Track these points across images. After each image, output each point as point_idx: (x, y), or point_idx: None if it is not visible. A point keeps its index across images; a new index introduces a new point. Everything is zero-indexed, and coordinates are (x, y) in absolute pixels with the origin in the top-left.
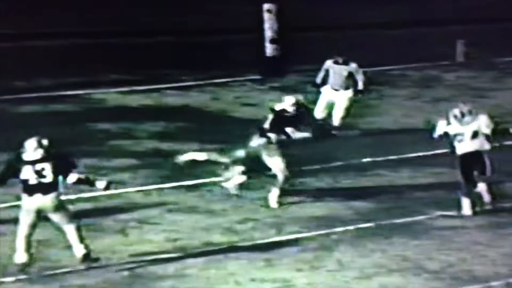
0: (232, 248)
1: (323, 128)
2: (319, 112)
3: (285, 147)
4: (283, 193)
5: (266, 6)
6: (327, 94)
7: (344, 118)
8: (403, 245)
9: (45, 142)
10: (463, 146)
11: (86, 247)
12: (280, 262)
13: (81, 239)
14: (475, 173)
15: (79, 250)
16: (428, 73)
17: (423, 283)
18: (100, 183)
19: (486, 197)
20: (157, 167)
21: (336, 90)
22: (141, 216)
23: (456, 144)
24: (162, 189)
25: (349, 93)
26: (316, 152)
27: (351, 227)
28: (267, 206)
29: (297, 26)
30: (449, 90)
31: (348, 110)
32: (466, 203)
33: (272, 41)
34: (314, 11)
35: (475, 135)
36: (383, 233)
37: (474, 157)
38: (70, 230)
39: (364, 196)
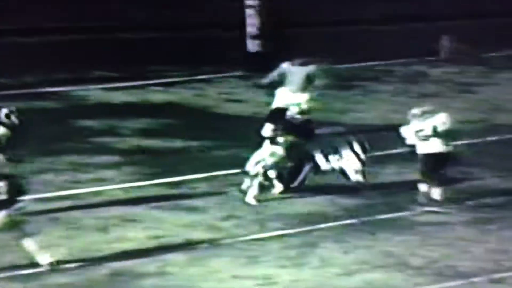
0: (215, 245)
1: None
2: None
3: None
4: (262, 189)
5: (248, 1)
6: (283, 96)
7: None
8: (387, 241)
9: None
10: (427, 145)
11: None
12: (263, 259)
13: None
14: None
15: (45, 258)
16: (414, 69)
17: (406, 279)
18: None
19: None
20: (140, 164)
21: (294, 92)
22: (123, 214)
23: (419, 142)
24: (144, 186)
25: (307, 95)
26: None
27: (335, 224)
28: (244, 202)
29: (284, 22)
30: (436, 86)
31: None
32: (423, 189)
33: (254, 37)
34: (300, 7)
35: (436, 132)
36: (367, 229)
37: (439, 158)
38: (29, 244)
39: (348, 192)
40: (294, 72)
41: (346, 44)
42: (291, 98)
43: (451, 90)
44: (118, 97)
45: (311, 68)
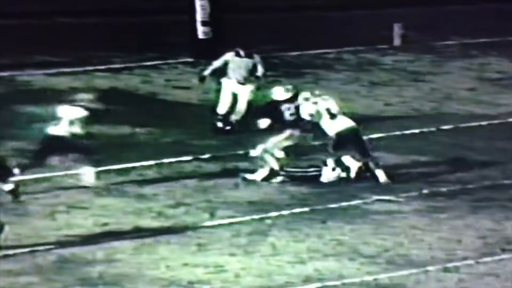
0: (163, 233)
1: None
2: (224, 106)
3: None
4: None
5: None
6: (230, 87)
7: (246, 112)
8: (338, 230)
9: None
10: (336, 124)
11: None
12: (213, 246)
13: None
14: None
15: None
16: (365, 57)
17: (358, 267)
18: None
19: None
20: None
21: (240, 83)
22: (70, 200)
23: (326, 122)
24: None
25: (252, 86)
26: (249, 136)
27: (286, 212)
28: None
29: (233, 8)
30: (387, 74)
31: (250, 104)
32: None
33: (204, 23)
34: None
35: (331, 114)
36: (318, 217)
37: (352, 136)
38: None
39: (299, 180)
40: (237, 62)
41: (297, 31)
42: (235, 88)
43: (403, 78)
44: (62, 83)
45: (256, 59)
